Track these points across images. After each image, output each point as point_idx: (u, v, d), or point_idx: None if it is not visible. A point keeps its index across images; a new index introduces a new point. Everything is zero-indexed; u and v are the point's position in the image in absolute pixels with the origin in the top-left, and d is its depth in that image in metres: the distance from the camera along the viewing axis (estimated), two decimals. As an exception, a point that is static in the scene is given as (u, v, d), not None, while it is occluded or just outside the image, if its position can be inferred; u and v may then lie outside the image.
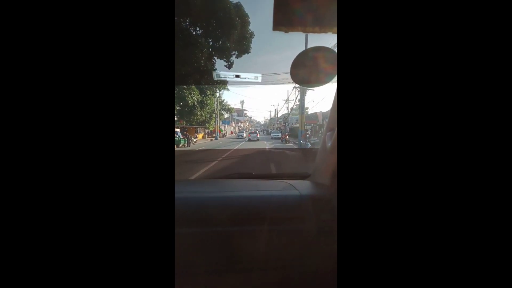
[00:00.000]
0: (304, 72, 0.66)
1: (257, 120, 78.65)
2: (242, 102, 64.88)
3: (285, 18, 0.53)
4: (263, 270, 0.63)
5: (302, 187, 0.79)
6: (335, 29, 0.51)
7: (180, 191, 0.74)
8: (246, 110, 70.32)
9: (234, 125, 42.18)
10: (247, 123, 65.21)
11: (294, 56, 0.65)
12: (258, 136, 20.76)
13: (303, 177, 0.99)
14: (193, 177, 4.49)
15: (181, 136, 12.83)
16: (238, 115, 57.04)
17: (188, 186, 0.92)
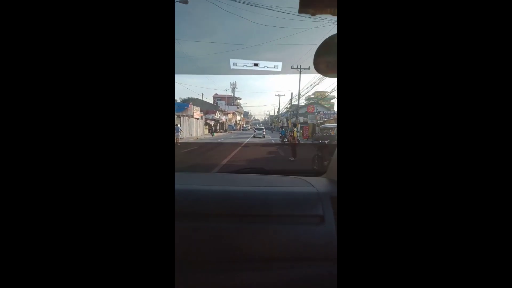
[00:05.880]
0: (329, 61, 0.61)
1: (256, 118, 59.35)
2: (233, 85, 42.31)
3: None
4: (277, 268, 0.59)
5: (319, 184, 0.75)
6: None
7: (189, 184, 0.74)
8: (239, 99, 47.97)
9: (199, 115, 18.96)
10: (239, 117, 42.63)
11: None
12: (264, 133, 18.91)
13: (317, 173, 0.95)
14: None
15: None
16: (227, 104, 35.44)
17: (198, 179, 0.90)
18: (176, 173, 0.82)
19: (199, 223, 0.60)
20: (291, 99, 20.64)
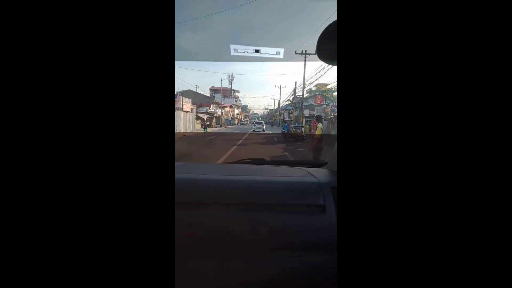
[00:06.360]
0: (333, 48, 0.56)
1: (255, 111, 58.53)
2: (230, 77, 39.95)
3: None
4: (278, 257, 0.59)
5: (320, 174, 0.75)
6: None
7: (191, 173, 0.76)
8: (236, 91, 45.59)
9: (189, 108, 16.60)
10: (237, 111, 40.38)
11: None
12: (264, 127, 18.06)
13: (318, 165, 0.96)
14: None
15: None
16: (224, 96, 33.36)
17: (200, 168, 0.90)
18: (176, 163, 0.76)
19: (200, 212, 0.60)
20: (294, 89, 18.30)
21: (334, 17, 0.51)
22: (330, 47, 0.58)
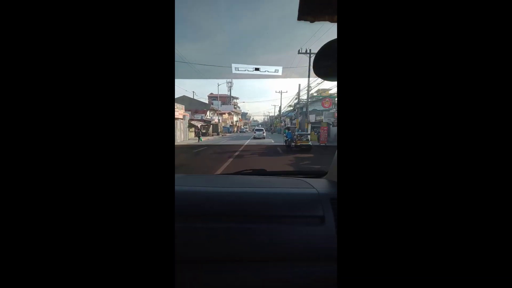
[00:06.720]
0: (329, 64, 0.61)
1: (255, 119, 56.95)
2: (229, 84, 38.54)
3: (312, 6, 0.52)
4: (278, 268, 0.59)
5: (319, 185, 0.76)
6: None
7: (191, 185, 0.75)
8: (236, 98, 44.15)
9: (182, 114, 14.86)
10: (236, 118, 38.81)
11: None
12: (264, 134, 19.32)
13: (318, 175, 0.96)
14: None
15: None
16: (223, 103, 32.09)
17: (199, 180, 0.91)
18: (176, 175, 0.79)
19: (199, 224, 0.60)
20: (298, 92, 16.61)
21: (328, 38, 0.56)
22: (325, 64, 0.61)
